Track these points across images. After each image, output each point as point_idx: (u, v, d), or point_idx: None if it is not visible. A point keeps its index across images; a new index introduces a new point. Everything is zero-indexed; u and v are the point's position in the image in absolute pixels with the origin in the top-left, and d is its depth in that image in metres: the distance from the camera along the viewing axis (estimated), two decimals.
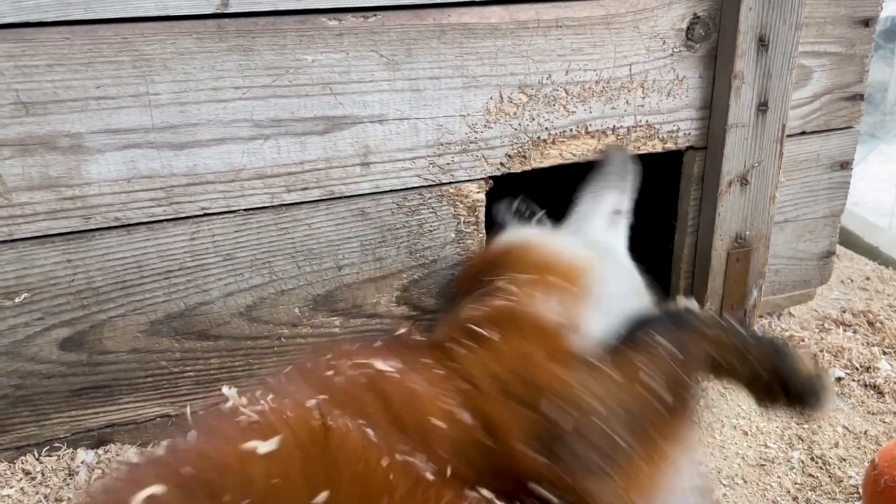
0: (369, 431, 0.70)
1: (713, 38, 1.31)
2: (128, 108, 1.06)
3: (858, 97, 1.47)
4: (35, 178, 1.06)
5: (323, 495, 0.62)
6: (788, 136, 1.39)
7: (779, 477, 1.19)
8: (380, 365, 0.79)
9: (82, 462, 1.19)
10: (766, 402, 0.87)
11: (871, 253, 1.93)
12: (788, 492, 1.16)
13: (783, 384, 0.85)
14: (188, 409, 1.23)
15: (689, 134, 1.37)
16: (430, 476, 0.68)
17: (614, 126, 1.32)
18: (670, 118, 1.35)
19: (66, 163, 1.06)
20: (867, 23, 1.41)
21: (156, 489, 0.61)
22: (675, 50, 1.30)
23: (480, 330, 0.87)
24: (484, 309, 0.94)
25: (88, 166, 1.07)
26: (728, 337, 0.86)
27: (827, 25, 1.39)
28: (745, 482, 1.18)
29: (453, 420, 0.74)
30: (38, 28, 1.00)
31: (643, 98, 1.31)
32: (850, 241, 1.99)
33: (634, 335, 0.86)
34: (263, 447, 0.65)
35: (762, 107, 1.33)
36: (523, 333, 0.86)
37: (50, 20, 1.00)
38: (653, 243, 1.42)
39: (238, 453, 0.65)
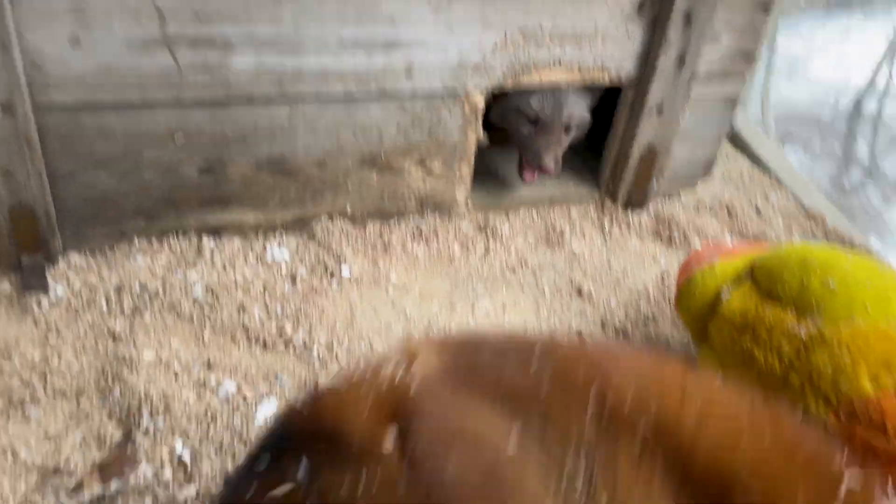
0: None
1: (655, 10, 1.88)
2: (264, 25, 1.60)
3: (751, 55, 2.08)
4: (198, 65, 1.61)
5: None
6: (698, 79, 2.01)
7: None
8: None
9: (207, 245, 1.84)
10: None
11: (752, 157, 2.61)
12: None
13: None
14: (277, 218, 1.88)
15: (629, 74, 1.97)
16: None
17: (580, 64, 1.91)
18: (618, 62, 1.94)
19: (219, 56, 1.61)
20: (766, 7, 1.98)
21: None
22: (628, 16, 1.87)
23: None
24: None
25: (233, 59, 1.63)
26: None
27: (736, 5, 1.96)
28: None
29: None
30: None
31: (602, 46, 1.90)
32: (742, 146, 2.65)
33: None
34: None
35: (680, 61, 1.93)
36: None
37: None
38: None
39: None
